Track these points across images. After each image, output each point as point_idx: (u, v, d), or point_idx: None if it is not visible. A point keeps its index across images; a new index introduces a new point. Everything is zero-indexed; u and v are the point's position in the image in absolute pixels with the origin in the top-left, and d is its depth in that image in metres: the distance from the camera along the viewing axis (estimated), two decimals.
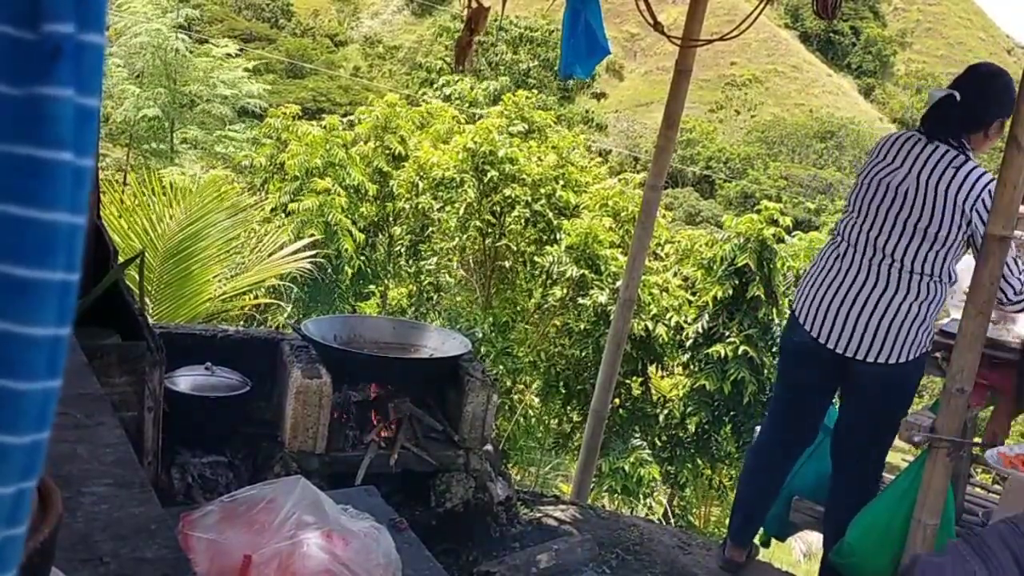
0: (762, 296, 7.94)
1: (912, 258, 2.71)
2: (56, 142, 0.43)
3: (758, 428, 3.44)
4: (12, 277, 0.42)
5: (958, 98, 2.71)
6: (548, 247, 8.76)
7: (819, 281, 2.86)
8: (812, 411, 3.03)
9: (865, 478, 2.95)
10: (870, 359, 2.75)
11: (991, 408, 3.13)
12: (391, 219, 10.42)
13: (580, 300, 8.34)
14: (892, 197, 2.74)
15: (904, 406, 2.88)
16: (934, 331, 2.83)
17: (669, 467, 8.49)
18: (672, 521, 7.93)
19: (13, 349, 0.43)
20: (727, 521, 3.76)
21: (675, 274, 8.63)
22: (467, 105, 11.25)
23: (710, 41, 3.95)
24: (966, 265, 2.82)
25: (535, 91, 12.88)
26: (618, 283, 6.22)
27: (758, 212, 8.24)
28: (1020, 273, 2.71)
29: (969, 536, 1.20)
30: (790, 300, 6.04)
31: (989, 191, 2.61)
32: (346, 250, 9.27)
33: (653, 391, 8.62)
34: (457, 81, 12.25)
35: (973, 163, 2.70)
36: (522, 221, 8.96)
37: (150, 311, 5.20)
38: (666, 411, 8.48)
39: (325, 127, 10.59)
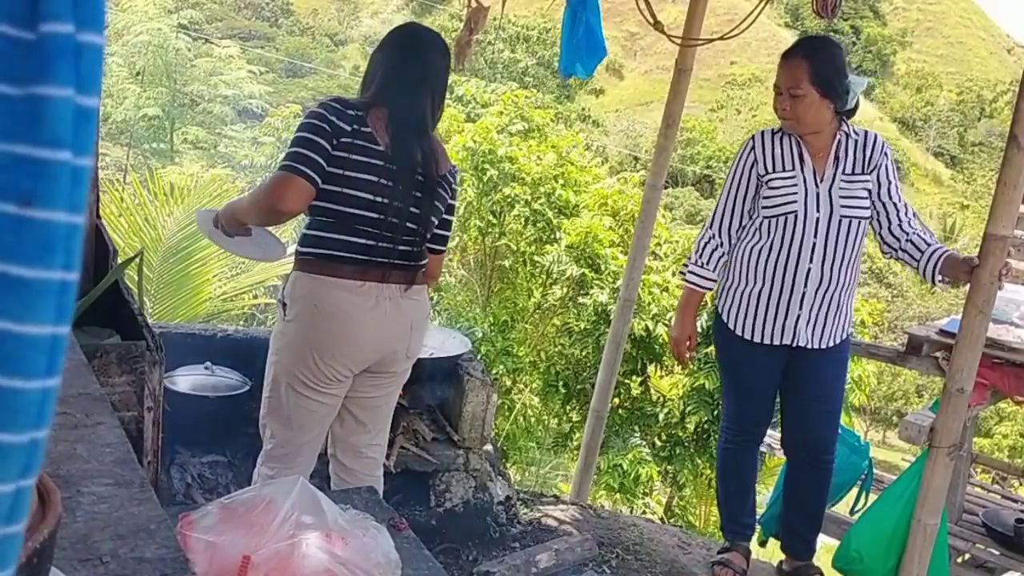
0: None
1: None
2: (55, 142, 0.43)
3: None
4: (10, 276, 0.42)
5: None
6: (548, 246, 8.74)
7: None
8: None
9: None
10: None
11: (991, 408, 3.15)
12: None
13: (580, 299, 8.33)
14: None
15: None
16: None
17: (669, 467, 8.46)
18: (672, 521, 7.92)
19: (11, 347, 0.43)
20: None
21: (675, 274, 8.61)
22: (481, 107, 11.24)
23: (710, 40, 3.95)
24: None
25: (534, 90, 12.86)
26: (618, 282, 6.21)
27: None
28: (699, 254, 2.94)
29: None
30: None
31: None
32: None
33: (653, 391, 8.60)
34: (466, 81, 12.26)
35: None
36: (522, 220, 8.94)
37: (150, 311, 5.20)
38: (666, 410, 8.46)
39: None
